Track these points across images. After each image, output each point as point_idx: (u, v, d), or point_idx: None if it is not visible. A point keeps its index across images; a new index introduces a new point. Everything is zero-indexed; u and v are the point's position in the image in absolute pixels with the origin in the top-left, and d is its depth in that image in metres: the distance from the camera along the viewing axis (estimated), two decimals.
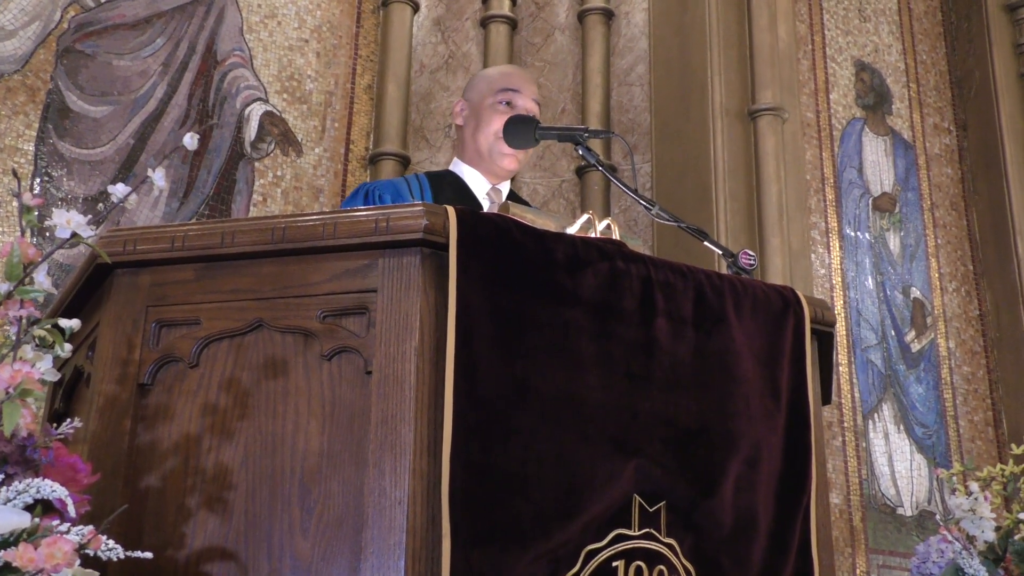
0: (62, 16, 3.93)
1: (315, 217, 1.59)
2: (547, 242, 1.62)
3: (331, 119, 4.58)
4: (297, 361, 1.56)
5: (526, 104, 2.63)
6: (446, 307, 1.52)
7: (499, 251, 1.57)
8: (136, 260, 1.61)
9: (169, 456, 1.54)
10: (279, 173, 4.39)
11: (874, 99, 5.20)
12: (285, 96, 4.48)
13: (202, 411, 1.56)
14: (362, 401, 1.51)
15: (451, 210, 1.57)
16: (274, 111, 4.42)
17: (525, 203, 2.61)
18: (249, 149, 4.32)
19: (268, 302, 1.58)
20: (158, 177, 1.20)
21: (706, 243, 2.17)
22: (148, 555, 1.23)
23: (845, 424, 4.48)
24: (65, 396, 1.79)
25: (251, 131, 4.35)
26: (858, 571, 4.27)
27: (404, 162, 4.46)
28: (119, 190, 1.19)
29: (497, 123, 2.61)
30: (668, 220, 2.18)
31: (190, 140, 1.24)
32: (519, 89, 2.63)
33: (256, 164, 4.33)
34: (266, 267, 1.59)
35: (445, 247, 1.55)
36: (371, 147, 4.54)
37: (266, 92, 4.43)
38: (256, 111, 4.40)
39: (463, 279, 1.53)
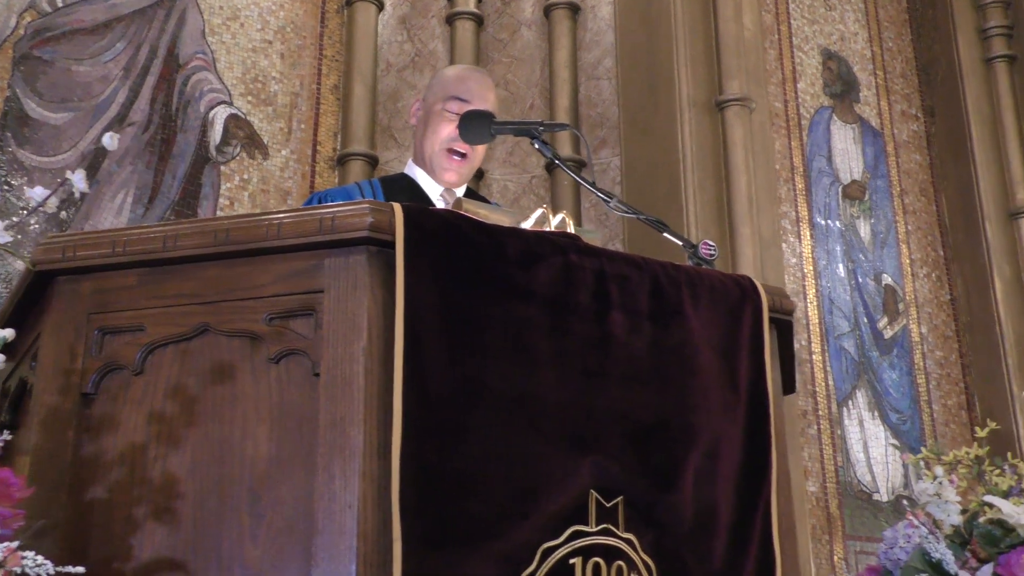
0: (18, 22, 3.87)
1: (259, 218, 1.56)
2: (498, 237, 1.60)
3: (297, 120, 4.54)
4: (244, 365, 1.53)
5: None
6: (395, 306, 1.49)
7: (448, 247, 1.55)
8: (77, 267, 1.58)
9: (115, 466, 1.51)
10: (246, 176, 4.34)
11: (841, 87, 5.21)
12: (250, 98, 4.43)
13: (148, 419, 1.53)
14: (311, 404, 1.48)
15: (397, 207, 1.54)
16: (239, 114, 4.37)
17: (483, 199, 2.58)
18: (214, 153, 4.27)
19: (213, 306, 1.55)
20: (78, 179, 1.17)
21: (665, 234, 2.15)
22: (80, 570, 1.20)
23: (820, 412, 4.48)
24: (11, 408, 1.75)
25: (216, 134, 4.31)
26: (836, 558, 4.27)
27: (372, 162, 4.43)
28: (37, 193, 1.16)
29: (442, 132, 2.57)
30: (627, 212, 2.16)
31: (109, 140, 1.21)
32: (469, 100, 2.57)
33: (222, 168, 4.28)
34: (210, 270, 1.56)
35: (392, 245, 1.52)
36: (339, 148, 4.50)
37: (230, 95, 4.38)
38: (220, 114, 4.35)
39: (411, 277, 1.50)
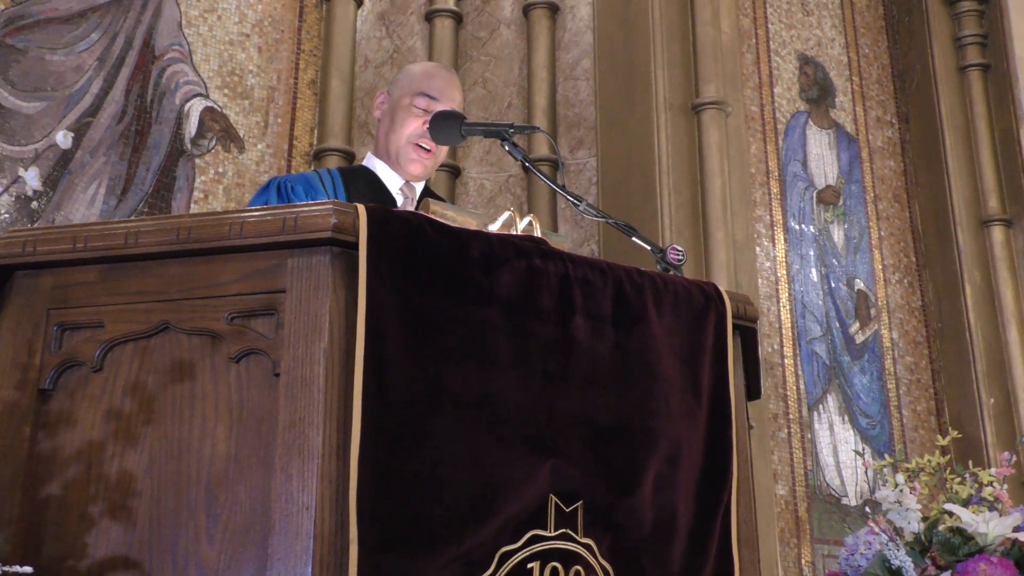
0: None
1: (221, 216, 1.55)
2: (462, 240, 1.60)
3: (274, 114, 4.51)
4: (204, 364, 1.52)
5: None
6: (356, 307, 1.49)
7: (411, 249, 1.55)
8: (37, 261, 1.57)
9: (71, 463, 1.50)
10: (221, 170, 4.32)
11: (817, 92, 5.24)
12: (226, 92, 4.40)
13: (106, 417, 1.51)
14: (270, 404, 1.48)
15: (361, 208, 1.54)
16: (215, 107, 4.34)
17: (440, 198, 2.59)
18: (189, 145, 4.24)
19: (174, 304, 1.54)
20: (31, 177, 1.15)
21: (634, 238, 2.15)
22: (28, 570, 1.19)
23: (791, 416, 4.51)
24: None
25: (191, 127, 4.28)
26: (803, 561, 4.30)
27: (349, 158, 4.41)
28: None
29: (410, 127, 2.59)
30: (596, 216, 2.17)
31: (62, 139, 1.19)
32: (438, 97, 2.59)
33: (197, 160, 4.25)
34: (172, 268, 1.55)
35: (356, 246, 1.52)
36: (315, 143, 4.48)
37: (206, 87, 4.35)
38: (196, 107, 4.32)
39: (373, 278, 1.50)
